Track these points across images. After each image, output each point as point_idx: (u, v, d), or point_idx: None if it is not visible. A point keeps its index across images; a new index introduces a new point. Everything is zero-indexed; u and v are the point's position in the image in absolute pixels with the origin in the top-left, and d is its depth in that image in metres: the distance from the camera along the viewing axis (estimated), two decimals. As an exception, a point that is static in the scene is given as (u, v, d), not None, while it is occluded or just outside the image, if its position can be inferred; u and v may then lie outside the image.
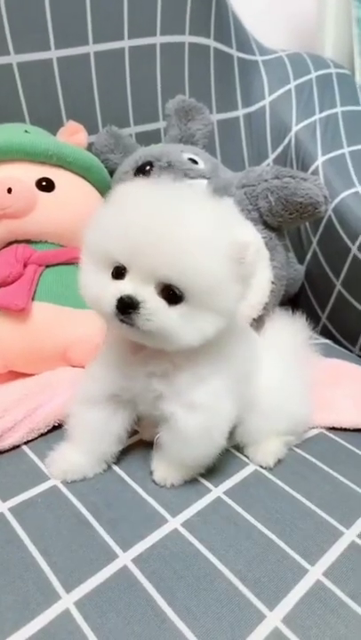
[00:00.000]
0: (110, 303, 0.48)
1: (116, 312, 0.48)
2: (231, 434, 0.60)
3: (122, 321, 0.49)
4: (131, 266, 0.48)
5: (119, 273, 0.49)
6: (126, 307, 0.48)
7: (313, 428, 0.70)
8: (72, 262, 0.79)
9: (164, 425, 0.56)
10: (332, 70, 1.25)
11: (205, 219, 0.49)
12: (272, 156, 1.18)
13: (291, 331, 0.73)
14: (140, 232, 0.47)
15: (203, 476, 0.60)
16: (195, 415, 0.54)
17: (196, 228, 0.47)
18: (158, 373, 0.54)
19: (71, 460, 0.59)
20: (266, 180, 0.85)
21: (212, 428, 0.55)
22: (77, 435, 0.60)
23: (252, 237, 0.50)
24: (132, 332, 0.50)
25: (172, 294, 0.48)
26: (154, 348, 0.52)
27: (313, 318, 0.77)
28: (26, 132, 0.82)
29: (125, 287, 0.48)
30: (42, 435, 0.66)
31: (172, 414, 0.54)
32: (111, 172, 0.93)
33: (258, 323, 0.81)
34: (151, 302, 0.48)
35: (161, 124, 1.06)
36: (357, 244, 0.97)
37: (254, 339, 0.66)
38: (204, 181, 0.86)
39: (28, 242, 0.78)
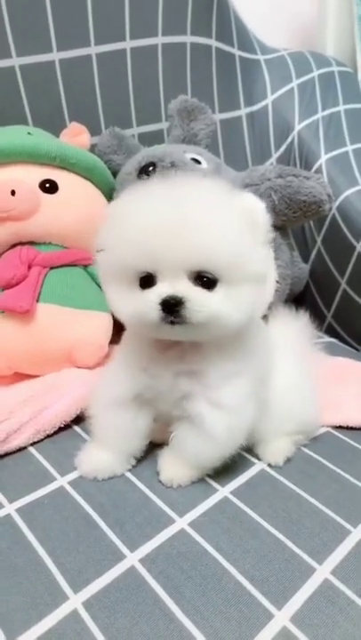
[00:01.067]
0: (154, 310, 0.48)
1: (165, 316, 0.48)
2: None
3: (172, 322, 0.49)
4: (158, 269, 0.48)
5: (147, 282, 0.50)
6: (173, 307, 0.48)
7: (320, 426, 0.70)
8: (76, 264, 0.79)
9: (182, 423, 0.57)
10: (335, 68, 1.25)
11: (215, 199, 0.50)
12: (275, 155, 1.18)
13: (294, 329, 0.73)
14: (159, 234, 0.47)
15: (209, 475, 0.60)
16: (221, 414, 0.54)
17: (210, 210, 0.48)
18: (189, 371, 0.55)
19: (100, 458, 0.59)
20: (269, 179, 0.85)
21: (235, 427, 0.56)
22: (104, 435, 0.60)
23: (253, 199, 0.52)
24: (183, 331, 0.50)
25: (206, 281, 0.49)
26: (200, 340, 0.53)
27: (318, 317, 0.77)
28: (29, 134, 0.82)
29: (163, 290, 0.48)
30: (48, 436, 0.66)
31: (199, 414, 0.55)
32: (114, 173, 0.93)
33: (263, 321, 0.81)
34: (193, 293, 0.48)
35: (164, 125, 1.06)
36: (362, 241, 0.97)
37: (270, 339, 0.66)
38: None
39: (32, 243, 0.78)
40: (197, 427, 0.55)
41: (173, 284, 0.48)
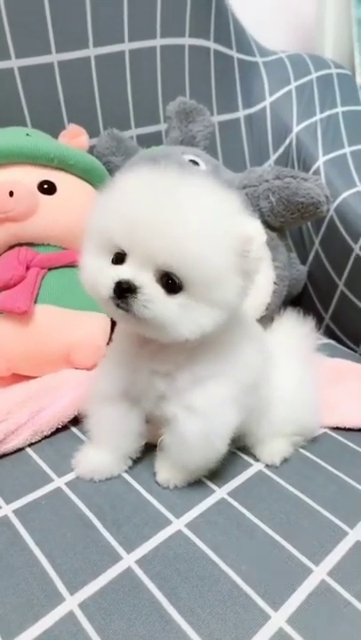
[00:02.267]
0: (107, 287, 0.48)
1: (113, 296, 0.48)
2: (236, 437, 0.60)
3: (118, 306, 0.48)
4: (131, 251, 0.48)
5: (119, 259, 0.49)
6: (124, 291, 0.47)
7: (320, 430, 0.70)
8: (74, 265, 0.78)
9: (167, 427, 0.56)
10: (333, 70, 1.25)
11: (210, 208, 0.48)
12: (273, 157, 1.18)
13: (299, 334, 0.73)
14: (140, 217, 0.46)
15: (207, 476, 0.60)
16: (194, 419, 0.54)
17: (198, 216, 0.46)
18: (161, 372, 0.54)
19: (97, 459, 0.59)
20: (267, 181, 0.85)
21: (211, 433, 0.54)
22: (98, 434, 0.60)
23: (258, 231, 0.49)
24: (128, 319, 0.49)
25: (170, 283, 0.47)
26: (153, 340, 0.52)
27: (316, 318, 0.77)
28: (27, 135, 0.82)
29: (124, 271, 0.48)
30: (45, 437, 0.66)
31: (174, 416, 0.54)
32: (113, 175, 0.93)
33: (261, 323, 0.81)
34: (149, 288, 0.47)
35: (162, 127, 1.06)
36: (360, 243, 0.97)
37: (267, 345, 0.64)
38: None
39: (30, 245, 0.78)
40: (174, 430, 0.55)
41: (137, 272, 0.47)
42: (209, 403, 0.54)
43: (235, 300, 0.49)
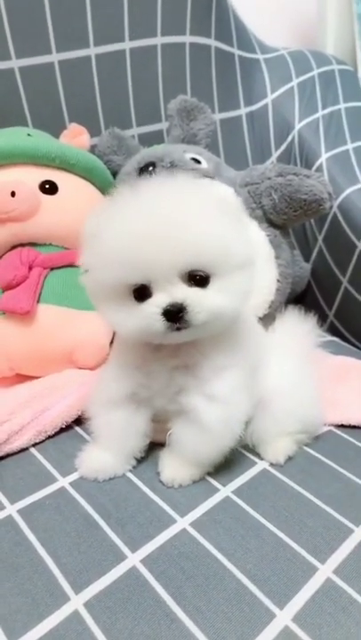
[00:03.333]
0: (158, 321, 0.48)
1: (170, 325, 0.49)
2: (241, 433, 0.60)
3: (178, 329, 0.49)
4: (151, 278, 0.49)
5: (141, 293, 0.49)
6: (176, 314, 0.48)
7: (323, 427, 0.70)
8: (76, 264, 0.79)
9: (178, 420, 0.57)
10: (335, 67, 1.24)
11: (191, 195, 0.51)
12: (275, 154, 1.18)
13: (302, 331, 0.73)
14: (145, 244, 0.47)
15: (211, 475, 0.59)
16: (215, 407, 0.55)
17: (190, 208, 0.49)
18: (184, 365, 0.55)
19: (101, 459, 0.59)
20: (269, 178, 0.85)
21: (231, 419, 0.56)
22: (103, 435, 0.60)
23: (223, 189, 0.55)
24: (189, 334, 0.50)
25: (199, 279, 0.49)
26: (203, 337, 0.53)
27: (320, 316, 0.77)
28: (28, 135, 0.82)
29: (161, 299, 0.48)
30: (49, 437, 0.66)
31: (194, 407, 0.55)
32: (114, 174, 0.93)
33: (264, 321, 0.80)
34: (190, 296, 0.48)
35: (163, 125, 1.06)
36: (363, 240, 0.96)
37: (260, 331, 0.67)
38: (208, 180, 0.86)
39: (32, 245, 0.78)
40: (193, 421, 0.55)
41: (170, 291, 0.48)
42: (228, 390, 0.55)
43: (248, 251, 0.52)
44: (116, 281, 0.50)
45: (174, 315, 0.48)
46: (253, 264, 0.53)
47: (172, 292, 0.48)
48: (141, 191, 0.51)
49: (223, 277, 0.50)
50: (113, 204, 0.51)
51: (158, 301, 0.49)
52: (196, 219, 0.48)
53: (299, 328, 0.73)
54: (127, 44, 1.00)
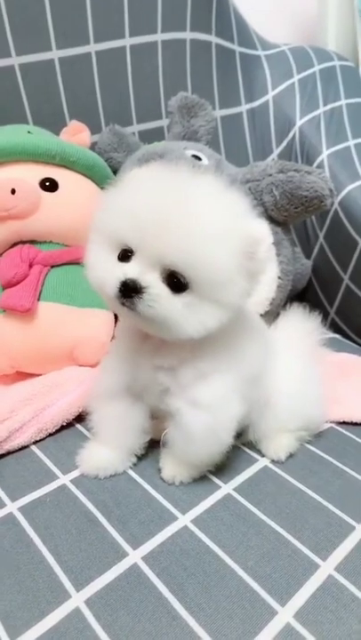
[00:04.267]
0: (114, 285, 0.48)
1: (119, 295, 0.48)
2: (242, 432, 0.60)
3: (123, 304, 0.48)
4: (138, 249, 0.48)
5: (126, 256, 0.49)
6: (130, 290, 0.47)
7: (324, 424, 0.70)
8: (77, 262, 0.79)
9: (171, 422, 0.56)
10: (336, 63, 1.24)
11: (219, 208, 0.48)
12: (277, 151, 1.18)
13: (304, 329, 0.73)
14: (150, 214, 0.46)
15: (212, 472, 0.59)
16: (199, 413, 0.54)
17: (208, 217, 0.46)
18: (165, 367, 0.54)
19: (101, 456, 0.59)
20: (270, 175, 0.84)
21: (216, 426, 0.55)
22: (102, 431, 0.60)
23: (265, 233, 0.49)
24: (133, 317, 0.49)
25: (176, 282, 0.47)
26: (155, 336, 0.52)
27: (321, 313, 0.77)
28: (29, 132, 0.82)
29: (130, 270, 0.47)
30: (50, 434, 0.66)
31: (178, 410, 0.54)
32: (115, 171, 0.93)
33: (265, 318, 0.80)
34: (155, 288, 0.47)
35: (164, 122, 1.06)
36: (365, 237, 0.96)
37: (268, 338, 0.64)
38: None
39: (33, 242, 0.78)
40: (178, 424, 0.55)
41: (143, 271, 0.47)
42: (213, 397, 0.54)
43: (239, 300, 0.49)
44: (112, 229, 0.49)
45: (128, 290, 0.47)
46: (235, 312, 0.50)
47: (144, 272, 0.47)
48: (191, 178, 0.49)
49: (198, 298, 0.47)
50: (164, 168, 0.50)
51: (127, 270, 0.47)
52: (209, 233, 0.46)
53: (302, 326, 0.73)
54: (127, 41, 1.00)
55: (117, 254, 0.49)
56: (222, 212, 0.48)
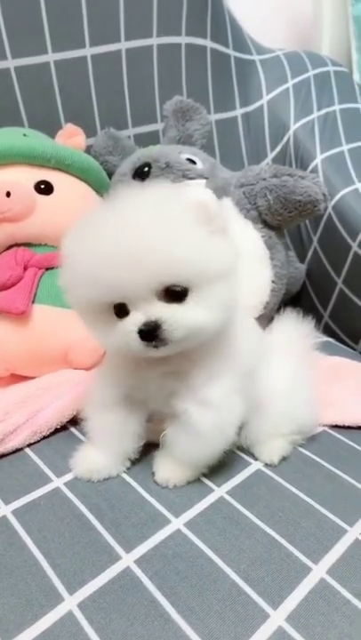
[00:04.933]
0: (135, 340, 0.48)
1: (146, 343, 0.48)
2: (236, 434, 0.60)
3: (156, 347, 0.48)
4: (126, 297, 0.48)
5: (122, 310, 0.49)
6: (152, 333, 0.47)
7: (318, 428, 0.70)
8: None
9: (172, 422, 0.57)
10: (330, 68, 1.25)
11: (163, 207, 0.48)
12: (271, 155, 1.18)
13: (298, 333, 0.73)
14: (116, 263, 0.46)
15: (205, 475, 0.59)
16: (207, 411, 0.54)
17: (162, 221, 0.46)
18: (174, 372, 0.54)
19: (95, 460, 0.59)
20: (264, 179, 0.85)
21: (223, 423, 0.56)
22: (98, 436, 0.60)
23: (200, 192, 0.51)
24: (167, 349, 0.49)
25: (175, 293, 0.48)
26: (185, 349, 0.52)
27: (315, 317, 0.77)
28: (24, 135, 0.82)
29: (137, 318, 0.48)
30: (44, 437, 0.66)
31: (186, 410, 0.55)
32: (110, 174, 0.93)
33: (259, 321, 0.81)
34: (166, 313, 0.47)
35: (159, 126, 1.06)
36: (358, 241, 0.97)
37: (259, 334, 0.66)
38: (203, 181, 0.86)
39: (27, 245, 0.78)
40: (186, 424, 0.55)
41: (145, 310, 0.47)
42: (221, 395, 0.55)
43: (227, 260, 0.50)
44: (92, 300, 0.49)
45: (149, 333, 0.47)
46: (235, 272, 0.51)
47: (147, 310, 0.47)
48: (113, 207, 0.49)
49: (202, 289, 0.48)
50: (86, 222, 0.50)
51: (134, 320, 0.48)
52: (169, 233, 0.46)
53: (296, 330, 0.73)
54: (123, 45, 1.00)
55: (113, 313, 0.50)
56: (168, 209, 0.48)
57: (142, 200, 0.49)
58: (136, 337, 0.48)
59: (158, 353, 0.50)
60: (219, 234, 0.50)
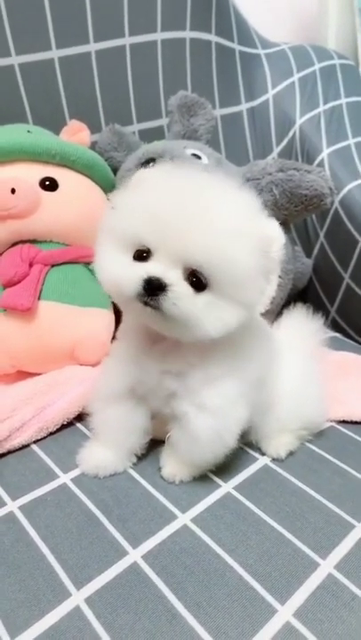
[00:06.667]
0: (135, 284, 0.47)
1: (142, 294, 0.47)
2: (244, 433, 0.60)
3: (146, 303, 0.47)
4: (158, 248, 0.47)
5: (141, 256, 0.48)
6: (154, 288, 0.47)
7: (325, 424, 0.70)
8: (77, 261, 0.79)
9: (175, 423, 0.56)
10: (336, 61, 1.24)
11: (239, 209, 0.48)
12: (277, 150, 1.17)
13: (307, 330, 0.73)
14: (172, 213, 0.46)
15: (212, 471, 0.59)
16: (206, 416, 0.54)
17: (230, 217, 0.47)
18: (173, 371, 0.54)
19: (101, 456, 0.59)
20: (270, 174, 0.84)
21: (222, 430, 0.55)
22: (103, 432, 0.60)
23: (278, 232, 0.50)
24: (154, 317, 0.48)
25: (197, 281, 0.47)
26: (172, 338, 0.51)
27: (322, 312, 0.77)
28: (29, 132, 0.82)
29: (153, 269, 0.47)
30: (51, 433, 0.66)
31: (185, 414, 0.54)
32: (115, 170, 0.93)
33: (266, 317, 0.80)
34: (179, 286, 0.47)
35: (164, 121, 1.06)
36: (365, 235, 0.96)
37: (273, 341, 0.64)
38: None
39: (32, 241, 0.78)
40: (185, 427, 0.55)
41: (165, 269, 0.47)
42: (221, 401, 0.54)
43: (257, 298, 0.50)
44: (131, 230, 0.48)
45: (153, 288, 0.47)
46: (252, 311, 0.51)
47: (166, 270, 0.47)
48: (209, 179, 0.50)
49: (218, 297, 0.48)
50: (182, 168, 0.51)
51: (149, 268, 0.47)
52: (230, 233, 0.46)
53: (305, 326, 0.73)
54: (127, 40, 1.00)
55: (132, 255, 0.49)
56: (240, 210, 0.48)
57: (233, 196, 0.50)
58: (140, 282, 0.47)
59: (142, 314, 0.49)
60: (264, 274, 0.49)
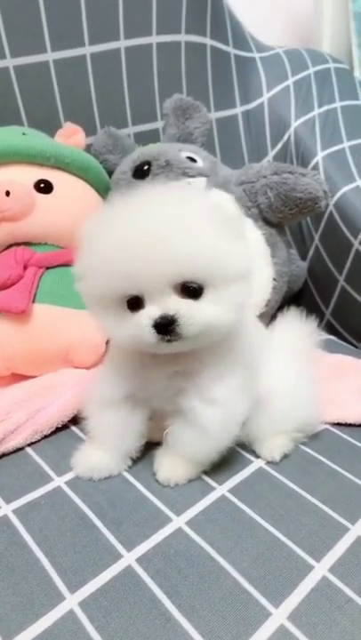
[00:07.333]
0: (149, 333, 0.48)
1: (160, 336, 0.48)
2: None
3: (169, 340, 0.48)
4: (143, 289, 0.48)
5: (135, 303, 0.49)
6: (167, 326, 0.47)
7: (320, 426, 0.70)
8: (72, 263, 0.79)
9: (176, 420, 0.57)
10: (331, 65, 1.24)
11: (185, 205, 0.49)
12: (272, 153, 1.18)
13: (302, 332, 0.73)
14: (137, 255, 0.46)
15: (207, 474, 0.59)
16: (214, 409, 0.55)
17: (183, 218, 0.48)
18: (182, 372, 0.54)
19: (96, 459, 0.59)
20: (265, 177, 0.85)
21: (229, 420, 0.56)
22: (98, 435, 0.60)
23: (221, 196, 0.52)
24: (180, 345, 0.49)
25: (192, 290, 0.48)
26: (197, 347, 0.52)
27: (317, 314, 0.77)
28: (23, 134, 0.82)
29: (153, 311, 0.48)
30: (45, 436, 0.66)
31: (192, 408, 0.55)
32: (110, 173, 0.93)
33: (261, 319, 0.80)
34: (183, 308, 0.48)
35: (159, 124, 1.06)
36: (360, 238, 0.96)
37: (261, 330, 0.66)
38: (203, 179, 0.86)
39: (27, 244, 0.78)
40: (191, 421, 0.55)
41: (162, 303, 0.48)
42: (227, 393, 0.55)
43: (245, 264, 0.51)
44: (108, 291, 0.49)
45: (165, 327, 0.48)
46: (250, 275, 0.52)
47: (163, 303, 0.48)
48: (134, 200, 0.50)
49: (217, 288, 0.49)
50: (106, 212, 0.51)
51: (150, 313, 0.48)
52: (190, 230, 0.47)
53: (299, 328, 0.73)
54: (122, 43, 1.00)
55: (126, 306, 0.50)
56: (189, 207, 0.49)
57: (165, 196, 0.50)
58: (151, 330, 0.48)
59: (170, 348, 0.50)
60: (237, 237, 0.50)
